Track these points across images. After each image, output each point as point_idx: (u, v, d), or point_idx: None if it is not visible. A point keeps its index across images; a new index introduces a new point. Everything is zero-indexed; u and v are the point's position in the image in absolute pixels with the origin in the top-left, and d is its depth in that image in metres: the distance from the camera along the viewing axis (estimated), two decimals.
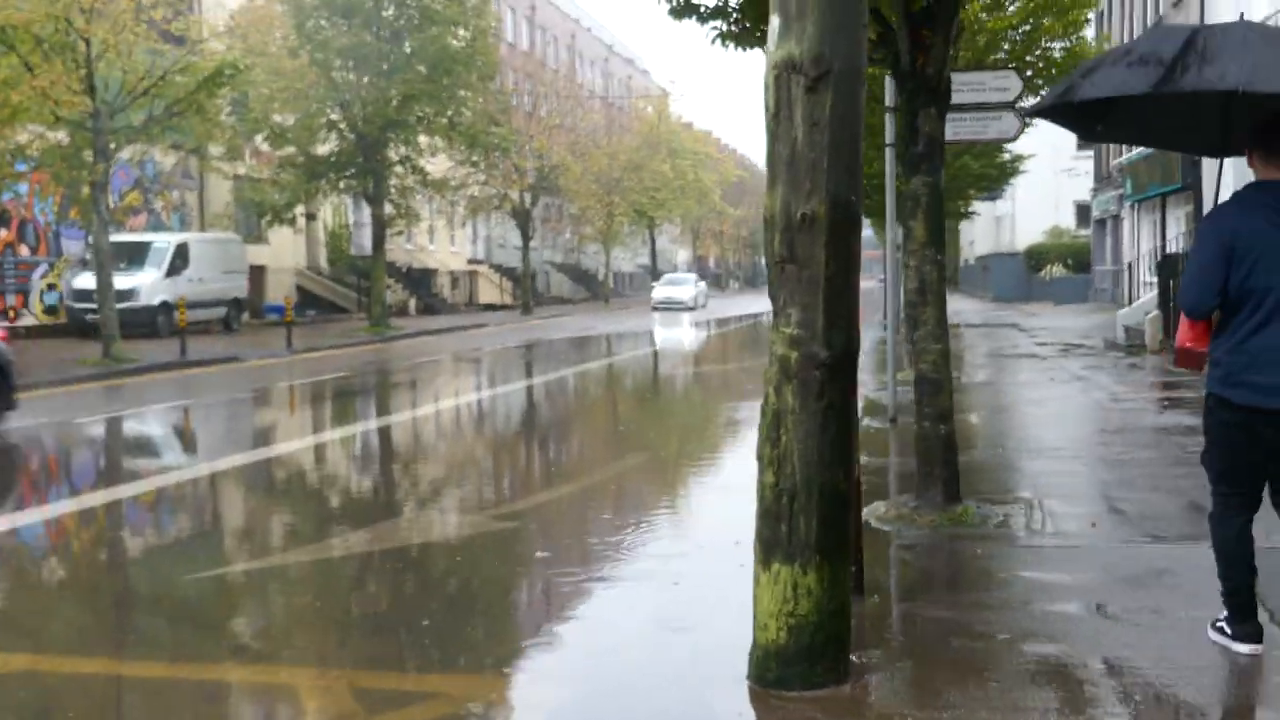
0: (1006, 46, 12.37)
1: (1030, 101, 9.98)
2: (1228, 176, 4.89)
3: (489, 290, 48.24)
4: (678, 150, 54.22)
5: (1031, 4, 11.98)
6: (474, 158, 33.23)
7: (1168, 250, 24.01)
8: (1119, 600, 5.00)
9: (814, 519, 3.94)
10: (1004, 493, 7.35)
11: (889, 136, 10.42)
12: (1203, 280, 4.11)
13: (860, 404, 5.16)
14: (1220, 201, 4.31)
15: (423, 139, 29.27)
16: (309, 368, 18.78)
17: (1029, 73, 12.02)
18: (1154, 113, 4.86)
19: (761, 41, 7.55)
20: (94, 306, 20.47)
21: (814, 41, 3.86)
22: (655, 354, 23.40)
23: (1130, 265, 31.20)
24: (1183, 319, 4.31)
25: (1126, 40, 22.53)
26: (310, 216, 35.53)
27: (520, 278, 43.41)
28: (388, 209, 28.91)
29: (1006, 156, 21.69)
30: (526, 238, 41.09)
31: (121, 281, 21.52)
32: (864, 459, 5.62)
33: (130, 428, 12.30)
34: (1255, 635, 4.25)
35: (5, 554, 6.71)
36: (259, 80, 24.43)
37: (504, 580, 5.95)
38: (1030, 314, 32.30)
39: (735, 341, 27.39)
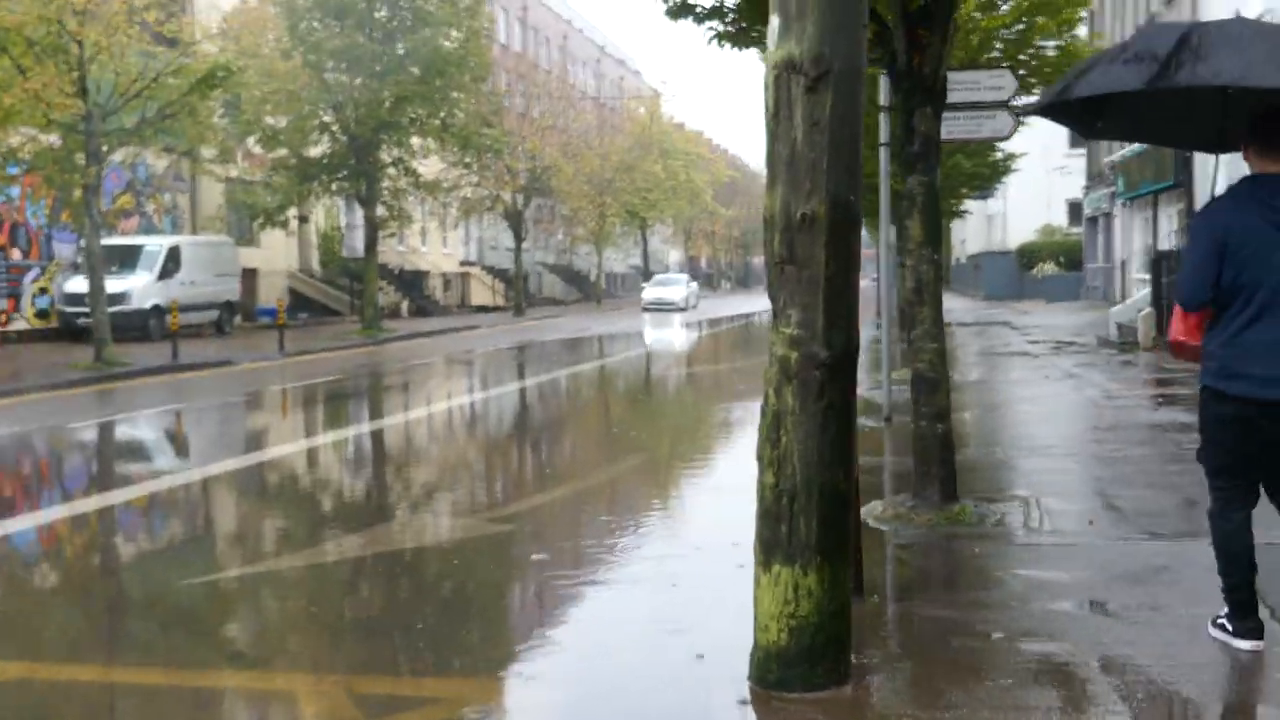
0: (1000, 45, 12.35)
1: (1024, 100, 9.98)
2: (1221, 173, 4.90)
3: (481, 292, 48.16)
4: (669, 151, 54.30)
5: (1025, 3, 11.96)
6: (466, 159, 33.21)
7: (1160, 248, 24.05)
8: (1118, 598, 5.00)
9: (814, 520, 3.92)
10: (1000, 491, 7.34)
11: (883, 136, 10.41)
12: (1196, 275, 4.15)
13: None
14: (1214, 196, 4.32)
15: (415, 141, 29.21)
16: (302, 371, 18.72)
17: (1022, 72, 12.00)
18: (1150, 109, 4.88)
19: (758, 41, 7.55)
20: (86, 310, 20.42)
21: (814, 41, 3.84)
22: (648, 355, 23.38)
23: (1122, 263, 31.27)
24: (1176, 312, 4.35)
25: (1119, 39, 22.56)
26: (302, 219, 35.40)
27: (512, 279, 43.38)
28: (380, 211, 28.89)
29: (999, 155, 21.68)
30: (519, 239, 41.10)
31: (113, 285, 21.43)
32: (860, 459, 5.60)
33: (122, 432, 12.24)
34: (1256, 632, 4.25)
35: None
36: (251, 82, 24.35)
37: (499, 583, 5.93)
38: (1022, 312, 32.35)
39: (727, 342, 27.40)
